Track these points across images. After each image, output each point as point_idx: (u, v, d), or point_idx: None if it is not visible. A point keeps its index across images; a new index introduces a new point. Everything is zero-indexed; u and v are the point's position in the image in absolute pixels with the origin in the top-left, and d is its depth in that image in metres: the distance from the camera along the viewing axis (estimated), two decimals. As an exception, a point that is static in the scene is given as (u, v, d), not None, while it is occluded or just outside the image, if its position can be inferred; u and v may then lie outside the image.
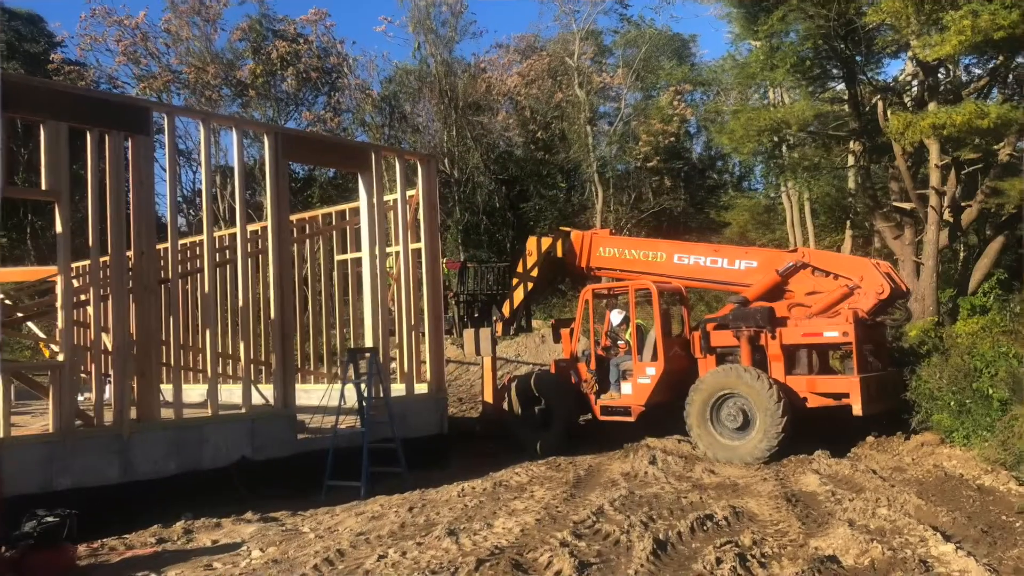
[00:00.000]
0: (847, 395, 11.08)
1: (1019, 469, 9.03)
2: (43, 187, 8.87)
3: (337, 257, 15.57)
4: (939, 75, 16.30)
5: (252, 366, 13.89)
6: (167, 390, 10.43)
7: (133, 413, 9.31)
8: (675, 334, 13.23)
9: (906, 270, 15.98)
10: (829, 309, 11.75)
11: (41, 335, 15.54)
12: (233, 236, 13.79)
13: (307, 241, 16.38)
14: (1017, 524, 7.41)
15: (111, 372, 9.59)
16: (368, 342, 12.04)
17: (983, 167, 16.37)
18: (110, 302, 9.47)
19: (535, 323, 20.73)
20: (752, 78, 18.60)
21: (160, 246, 11.23)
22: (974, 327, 12.42)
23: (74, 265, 11.79)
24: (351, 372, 10.87)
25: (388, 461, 10.52)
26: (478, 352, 13.98)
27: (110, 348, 9.65)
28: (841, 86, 18.11)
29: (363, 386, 10.74)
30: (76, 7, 57.23)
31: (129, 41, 27.22)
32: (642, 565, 6.25)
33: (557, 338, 14.28)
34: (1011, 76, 16.97)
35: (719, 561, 6.23)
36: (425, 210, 13.05)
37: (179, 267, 11.78)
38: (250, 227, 14.88)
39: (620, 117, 29.82)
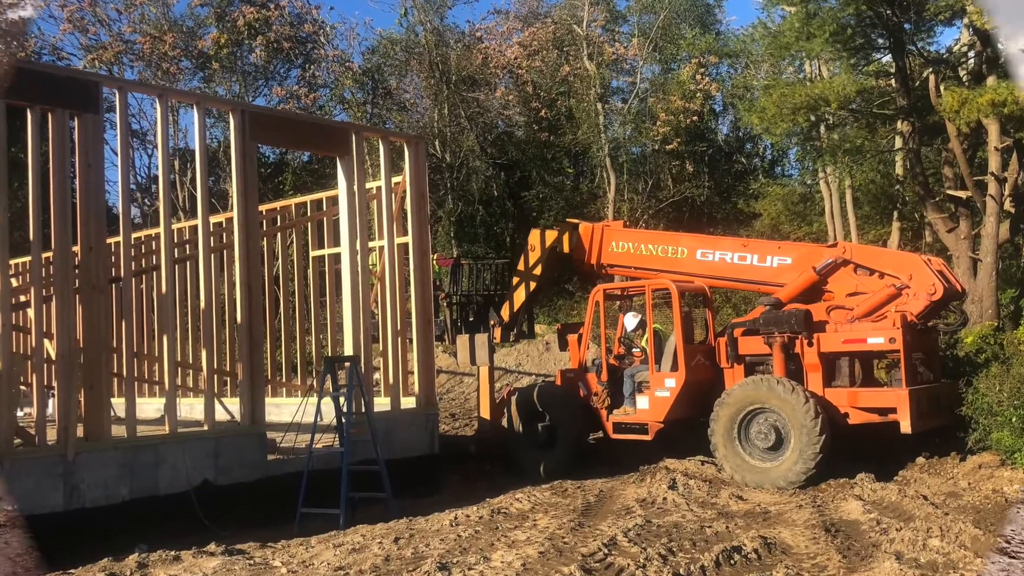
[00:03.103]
0: (894, 410, 11.07)
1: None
2: (-23, 173, 8.87)
3: (313, 253, 15.58)
4: (999, 45, 16.30)
5: (216, 377, 13.94)
6: (118, 404, 10.42)
7: (80, 431, 9.30)
8: (698, 341, 13.23)
9: (961, 268, 15.99)
10: (874, 312, 11.74)
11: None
12: (194, 228, 13.80)
13: (279, 234, 16.37)
14: (1088, 557, 7.41)
15: (54, 384, 9.58)
16: (348, 350, 12.04)
17: (1050, 150, 16.38)
18: (54, 304, 9.46)
19: (538, 328, 20.69)
20: (786, 49, 18.60)
21: (111, 240, 11.23)
22: (1039, 333, 12.43)
23: (12, 262, 11.80)
24: (329, 384, 10.87)
25: (371, 485, 10.53)
26: (473, 361, 13.99)
27: (53, 356, 9.65)
28: (887, 58, 18.11)
29: (342, 400, 10.74)
30: (15, -32, 57.15)
31: (75, 7, 27.16)
32: (660, 604, 6.25)
33: (564, 345, 14.31)
34: (1082, 46, 16.96)
35: (748, 600, 6.24)
36: (413, 199, 13.07)
37: (132, 264, 11.78)
38: (213, 218, 14.95)
39: (635, 93, 29.83)
